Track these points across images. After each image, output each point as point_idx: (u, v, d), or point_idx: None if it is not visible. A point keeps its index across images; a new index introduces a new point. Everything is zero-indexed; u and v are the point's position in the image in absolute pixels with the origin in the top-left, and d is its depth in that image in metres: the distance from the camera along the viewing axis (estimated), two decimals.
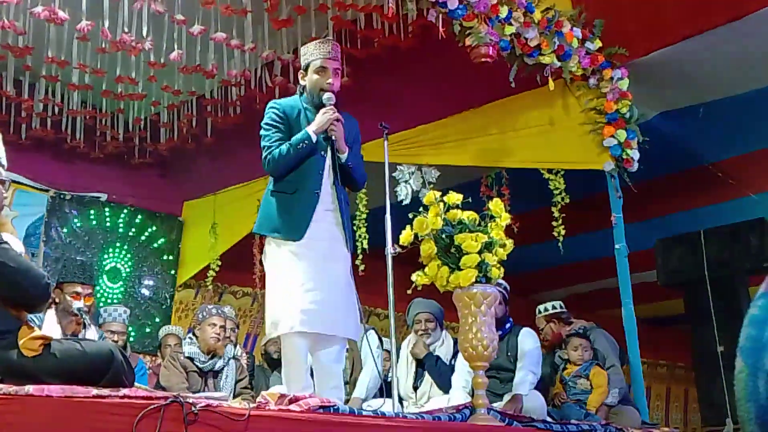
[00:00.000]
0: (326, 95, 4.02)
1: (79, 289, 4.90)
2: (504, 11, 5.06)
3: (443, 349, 5.39)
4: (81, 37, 5.62)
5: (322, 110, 3.99)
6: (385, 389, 5.14)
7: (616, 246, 5.63)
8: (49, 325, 4.73)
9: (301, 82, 4.19)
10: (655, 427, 5.67)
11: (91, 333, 5.03)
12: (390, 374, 4.31)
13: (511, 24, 5.13)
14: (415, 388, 5.31)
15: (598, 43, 5.68)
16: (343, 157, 4.04)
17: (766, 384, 1.26)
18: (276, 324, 3.89)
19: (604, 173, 5.76)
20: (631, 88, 5.72)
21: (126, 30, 5.60)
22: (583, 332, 5.57)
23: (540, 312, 5.97)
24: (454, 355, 5.28)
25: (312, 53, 4.11)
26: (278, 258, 3.96)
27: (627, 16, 5.71)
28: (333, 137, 3.99)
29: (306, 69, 4.14)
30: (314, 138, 3.94)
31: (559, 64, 5.51)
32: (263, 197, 4.12)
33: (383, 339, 5.76)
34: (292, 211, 3.96)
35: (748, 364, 1.32)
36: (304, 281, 3.84)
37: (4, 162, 3.31)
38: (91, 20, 5.36)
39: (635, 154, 5.71)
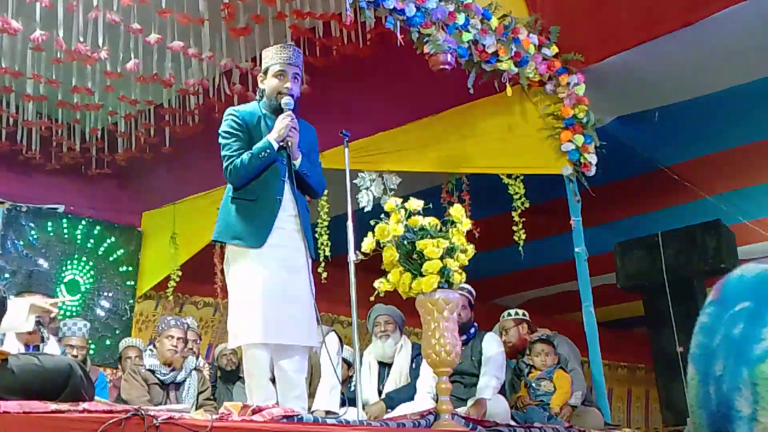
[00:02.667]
0: (284, 99, 4.00)
1: (39, 298, 4.81)
2: (461, 18, 5.11)
3: (402, 353, 5.41)
4: (35, 47, 5.54)
5: (281, 116, 3.98)
6: (347, 397, 5.14)
7: (576, 249, 5.70)
8: (10, 338, 4.65)
9: (260, 86, 4.18)
10: (617, 429, 5.75)
11: (52, 346, 4.95)
12: (354, 382, 4.30)
13: (468, 31, 5.17)
14: (380, 392, 5.32)
15: (555, 50, 5.75)
16: (297, 163, 4.02)
17: (717, 391, 1.29)
18: (237, 335, 3.87)
19: (563, 178, 5.82)
20: (588, 94, 5.80)
21: (81, 39, 5.53)
22: (547, 338, 5.63)
23: (510, 315, 6.01)
24: (413, 360, 5.30)
25: (272, 57, 4.10)
26: (239, 266, 3.92)
27: (582, 23, 5.79)
28: (289, 143, 3.98)
29: (265, 73, 4.12)
30: (276, 146, 3.92)
31: (516, 70, 5.56)
32: (222, 205, 4.08)
33: (344, 344, 5.75)
34: (253, 218, 3.92)
35: (699, 371, 1.35)
36: (264, 291, 3.81)
37: None
38: (45, 30, 5.29)
39: (593, 159, 5.79)
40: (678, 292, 7.78)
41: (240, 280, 3.91)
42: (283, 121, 3.94)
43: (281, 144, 3.96)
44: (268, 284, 3.83)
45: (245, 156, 3.91)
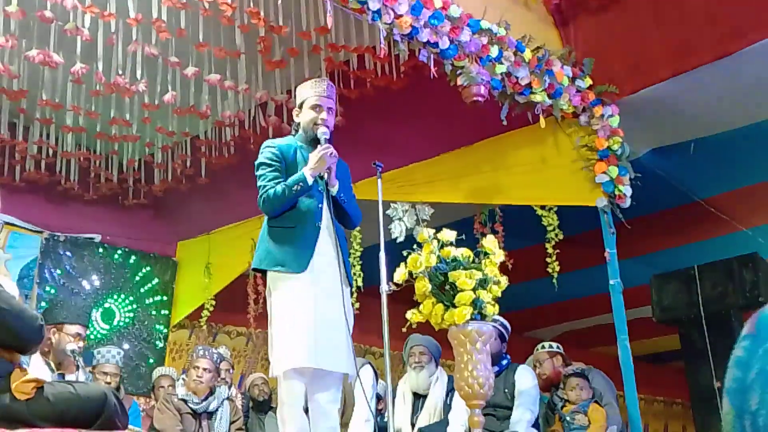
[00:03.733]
0: (321, 130, 4.02)
1: (80, 330, 4.90)
2: (495, 51, 5.12)
3: (438, 385, 5.37)
4: (75, 80, 5.65)
5: (319, 148, 3.97)
6: (378, 430, 5.11)
7: (611, 282, 5.63)
8: (36, 367, 4.69)
9: (296, 120, 4.21)
10: None
11: (81, 375, 4.99)
12: (386, 414, 4.28)
13: (501, 63, 5.18)
14: (413, 425, 5.28)
15: (588, 81, 5.74)
16: (334, 190, 4.03)
17: (753, 425, 1.28)
18: (281, 360, 3.81)
19: (597, 210, 5.78)
20: (622, 125, 5.77)
21: (120, 72, 5.63)
22: (581, 372, 5.57)
23: (544, 347, 5.96)
24: (449, 392, 5.26)
25: (307, 91, 4.15)
26: (281, 293, 3.90)
27: (616, 55, 5.77)
28: (328, 171, 3.98)
29: (300, 106, 4.16)
30: (310, 180, 3.92)
31: (549, 102, 5.55)
32: (261, 233, 4.06)
33: (378, 378, 5.73)
34: (294, 244, 3.92)
35: (734, 406, 1.34)
36: (308, 316, 3.80)
37: None
38: (85, 63, 5.40)
39: (627, 191, 5.74)
40: (715, 325, 7.66)
41: (283, 306, 3.88)
42: (318, 154, 3.95)
43: (315, 177, 3.98)
44: (310, 310, 3.81)
45: (279, 187, 3.93)
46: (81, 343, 4.92)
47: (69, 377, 4.75)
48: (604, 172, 5.69)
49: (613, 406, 5.53)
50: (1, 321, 3.06)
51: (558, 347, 5.94)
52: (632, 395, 5.51)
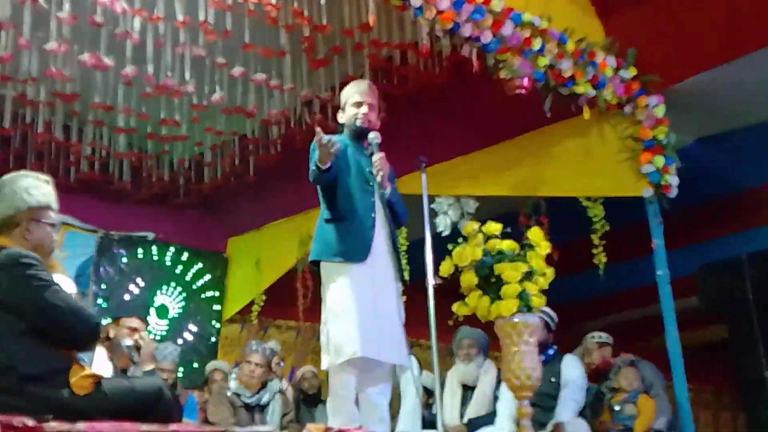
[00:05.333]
0: (372, 134, 4.07)
1: (136, 324, 5.00)
2: (537, 43, 5.13)
3: (487, 377, 5.41)
4: (126, 83, 5.78)
5: (375, 156, 4.01)
6: (427, 423, 5.16)
7: (658, 273, 5.60)
8: (99, 361, 4.80)
9: (340, 121, 4.29)
10: None
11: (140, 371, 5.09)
12: (434, 407, 4.33)
13: (544, 56, 5.18)
14: (462, 416, 5.32)
15: (633, 71, 5.69)
16: (386, 192, 4.07)
17: None
18: (339, 350, 3.82)
19: (643, 200, 5.75)
20: (667, 115, 5.72)
21: (169, 74, 5.74)
22: (631, 362, 5.56)
23: (593, 337, 5.96)
24: (498, 384, 5.29)
25: (348, 91, 4.25)
26: (338, 284, 3.93)
27: (660, 44, 5.72)
28: (380, 175, 4.00)
29: (343, 108, 4.25)
30: (322, 167, 3.86)
31: (593, 93, 5.53)
32: (317, 226, 4.12)
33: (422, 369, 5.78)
34: (352, 234, 3.98)
35: None
36: (365, 307, 3.85)
37: (55, 206, 3.38)
38: (135, 66, 5.53)
39: (674, 180, 5.69)
40: (764, 315, 7.56)
41: (341, 297, 3.90)
42: (323, 148, 3.87)
43: (370, 171, 4.04)
44: (369, 300, 3.87)
45: (312, 164, 3.94)
46: (137, 337, 5.01)
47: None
48: (650, 162, 5.65)
49: (662, 397, 5.52)
50: (59, 320, 3.12)
51: (608, 338, 5.94)
52: (681, 386, 5.47)
